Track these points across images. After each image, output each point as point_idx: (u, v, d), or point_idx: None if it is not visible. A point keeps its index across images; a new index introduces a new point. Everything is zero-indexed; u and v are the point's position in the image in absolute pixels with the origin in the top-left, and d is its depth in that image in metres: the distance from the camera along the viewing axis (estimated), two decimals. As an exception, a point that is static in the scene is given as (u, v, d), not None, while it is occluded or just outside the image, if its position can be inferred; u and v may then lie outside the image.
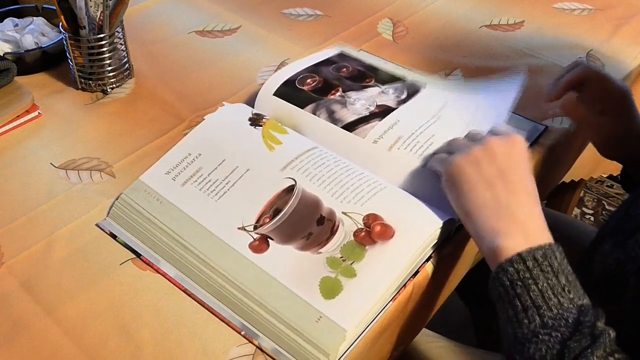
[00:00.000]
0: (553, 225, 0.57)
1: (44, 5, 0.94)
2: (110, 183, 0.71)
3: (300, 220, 0.62)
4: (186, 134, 0.74)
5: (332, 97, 0.75)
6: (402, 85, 0.78)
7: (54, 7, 0.81)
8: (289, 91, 0.76)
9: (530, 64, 0.91)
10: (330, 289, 0.57)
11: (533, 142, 0.77)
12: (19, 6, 0.97)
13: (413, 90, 0.77)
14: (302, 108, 0.74)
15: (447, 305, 0.74)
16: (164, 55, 0.93)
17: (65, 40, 0.82)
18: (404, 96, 0.75)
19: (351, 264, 0.59)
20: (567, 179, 1.04)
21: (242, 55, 0.93)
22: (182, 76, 0.89)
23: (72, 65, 0.84)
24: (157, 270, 0.62)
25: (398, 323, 0.62)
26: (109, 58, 0.84)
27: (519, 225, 0.55)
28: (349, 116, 0.72)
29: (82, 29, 0.80)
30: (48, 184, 0.71)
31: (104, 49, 0.83)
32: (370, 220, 0.61)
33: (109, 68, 0.85)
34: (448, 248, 0.64)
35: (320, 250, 0.60)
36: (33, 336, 0.56)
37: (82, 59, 0.83)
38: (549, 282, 0.51)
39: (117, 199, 0.67)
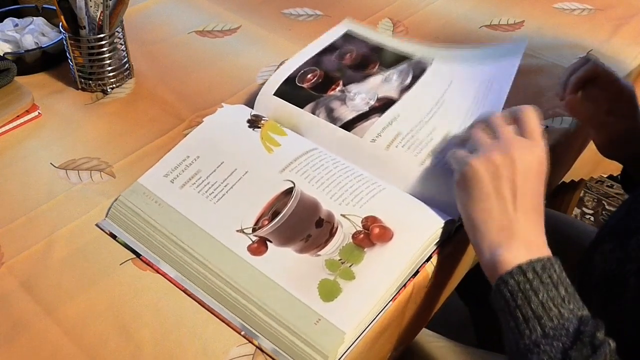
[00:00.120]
0: (553, 225, 0.58)
1: (44, 5, 0.94)
2: (110, 183, 0.71)
3: (298, 223, 0.62)
4: (186, 134, 0.74)
5: (331, 93, 0.75)
6: (407, 66, 0.77)
7: (54, 7, 0.81)
8: (289, 90, 0.76)
9: (530, 64, 0.91)
10: (329, 292, 0.57)
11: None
12: (19, 6, 0.97)
13: (419, 70, 0.76)
14: (302, 107, 0.74)
15: (447, 305, 0.74)
16: (164, 55, 0.93)
17: (65, 40, 0.82)
18: (408, 81, 0.75)
19: (350, 266, 0.59)
20: (567, 179, 1.04)
21: (242, 55, 0.93)
22: (182, 76, 0.89)
23: (72, 65, 0.84)
24: (157, 271, 0.62)
25: (398, 323, 0.62)
26: (109, 58, 0.84)
27: (521, 240, 0.55)
28: (348, 113, 0.72)
29: (82, 29, 0.80)
30: (48, 184, 0.71)
31: (104, 49, 0.83)
32: (369, 222, 0.61)
33: (109, 68, 0.85)
34: (448, 248, 0.64)
35: (319, 253, 0.60)
36: (33, 336, 0.56)
37: (82, 59, 0.83)
38: (549, 293, 0.52)
39: (115, 200, 0.67)
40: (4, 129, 0.78)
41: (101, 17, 0.80)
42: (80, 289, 0.60)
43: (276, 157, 0.68)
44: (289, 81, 0.77)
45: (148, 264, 0.62)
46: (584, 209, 1.73)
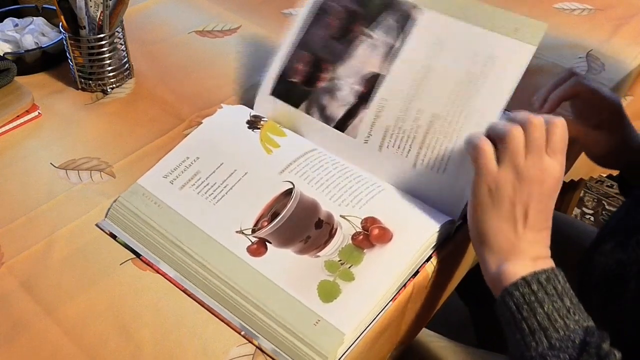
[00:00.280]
0: (553, 225, 0.58)
1: (44, 5, 0.94)
2: (110, 183, 0.71)
3: (298, 224, 0.62)
4: (186, 134, 0.74)
5: (321, 84, 0.73)
6: (393, 17, 0.70)
7: (54, 7, 0.81)
8: (283, 88, 0.75)
9: (530, 64, 0.91)
10: (328, 293, 0.57)
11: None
12: (19, 6, 0.97)
13: (405, 21, 0.69)
14: (297, 106, 0.73)
15: (447, 305, 0.74)
16: (164, 55, 0.93)
17: (65, 40, 0.82)
18: (396, 43, 0.68)
19: (349, 267, 0.59)
20: (567, 179, 1.04)
21: (242, 55, 0.93)
22: (182, 76, 0.89)
23: (72, 65, 0.84)
24: (157, 271, 0.62)
25: (398, 323, 0.62)
26: (109, 58, 0.84)
27: (528, 255, 0.56)
28: (338, 110, 0.71)
29: (82, 29, 0.80)
30: (48, 184, 0.71)
31: (104, 49, 0.83)
32: (369, 223, 0.61)
33: (109, 68, 0.85)
34: (448, 248, 0.64)
35: (318, 254, 0.60)
36: (33, 336, 0.56)
37: (82, 59, 0.83)
38: (554, 304, 0.52)
39: (115, 201, 0.67)
40: (4, 129, 0.78)
41: (101, 17, 0.80)
42: (80, 289, 0.60)
43: (275, 158, 0.68)
44: (282, 79, 0.75)
45: (148, 264, 0.62)
46: (584, 209, 1.73)
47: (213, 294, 0.59)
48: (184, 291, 0.60)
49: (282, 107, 0.74)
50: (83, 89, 0.86)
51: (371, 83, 0.70)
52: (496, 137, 0.57)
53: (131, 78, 0.88)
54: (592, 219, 1.70)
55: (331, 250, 0.60)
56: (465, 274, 0.74)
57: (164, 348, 0.55)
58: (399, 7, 0.70)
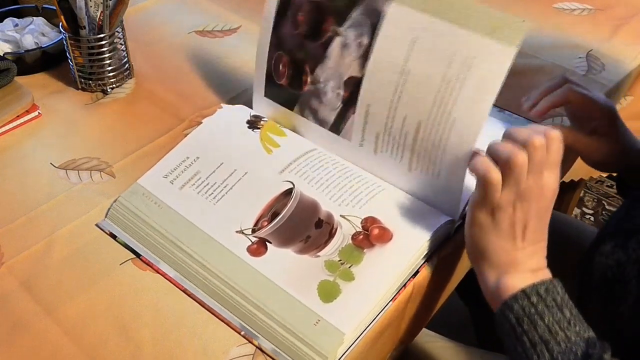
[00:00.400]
0: (553, 225, 0.57)
1: (44, 5, 0.94)
2: (110, 183, 0.71)
3: (298, 224, 0.62)
4: (186, 134, 0.74)
5: (306, 88, 0.71)
6: (361, 13, 0.65)
7: (54, 7, 0.81)
8: (275, 90, 0.74)
9: (530, 64, 0.91)
10: (328, 293, 0.57)
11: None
12: (19, 6, 0.97)
13: (375, 16, 0.64)
14: (292, 109, 0.73)
15: (447, 305, 0.74)
16: (164, 55, 0.93)
17: (65, 40, 0.82)
18: (365, 40, 0.64)
19: (349, 267, 0.59)
20: (567, 179, 1.04)
21: (242, 55, 0.93)
22: (182, 76, 0.89)
23: (72, 65, 0.84)
24: (157, 271, 0.62)
25: (398, 323, 0.62)
26: (109, 58, 0.84)
27: (526, 267, 0.56)
28: (329, 114, 0.70)
29: (82, 29, 0.80)
30: (48, 184, 0.71)
31: (104, 49, 0.83)
32: (369, 223, 0.61)
33: (109, 68, 0.85)
34: (448, 248, 0.64)
35: (318, 254, 0.60)
36: (33, 336, 0.56)
37: (82, 59, 0.83)
38: (555, 316, 0.52)
39: (115, 201, 0.67)
40: (4, 129, 0.78)
41: (101, 17, 0.80)
42: (80, 289, 0.60)
43: (275, 158, 0.68)
44: (270, 80, 0.74)
45: (148, 264, 0.62)
46: (584, 209, 1.73)
47: (213, 294, 0.59)
48: (184, 291, 0.60)
49: (278, 109, 0.74)
50: (83, 89, 0.86)
51: (353, 87, 0.67)
52: (499, 160, 0.55)
53: (131, 78, 0.88)
54: (592, 219, 1.70)
55: (331, 250, 0.60)
56: (465, 274, 0.74)
57: (164, 348, 0.55)
58: (367, 1, 0.65)
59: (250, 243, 0.61)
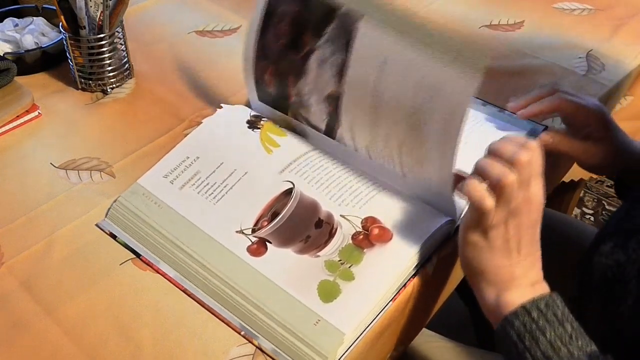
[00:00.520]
0: (553, 225, 0.57)
1: (44, 5, 0.94)
2: (110, 183, 0.72)
3: (298, 224, 0.62)
4: (186, 134, 0.74)
5: (292, 99, 0.71)
6: (336, 28, 0.64)
7: (54, 7, 0.81)
8: (266, 95, 0.74)
9: (530, 64, 0.91)
10: (328, 293, 0.57)
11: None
12: (19, 6, 0.97)
13: (348, 34, 0.63)
14: (286, 113, 0.72)
15: (447, 305, 0.74)
16: (164, 55, 0.93)
17: (65, 40, 0.82)
18: (340, 57, 0.64)
19: (349, 267, 0.59)
20: (567, 179, 1.04)
21: (242, 55, 0.93)
22: (182, 76, 0.89)
23: (72, 65, 0.84)
24: (157, 271, 0.62)
25: (398, 323, 0.62)
26: (109, 58, 0.84)
27: (525, 281, 0.56)
28: (320, 123, 0.69)
29: (82, 29, 0.80)
30: (48, 184, 0.71)
31: (104, 49, 0.83)
32: (369, 223, 0.61)
33: (109, 68, 0.85)
34: (448, 248, 0.64)
35: (318, 254, 0.60)
36: (33, 336, 0.56)
37: (82, 59, 0.83)
38: (556, 331, 0.52)
39: (115, 201, 0.67)
40: (4, 129, 0.78)
41: (101, 17, 0.80)
42: (80, 289, 0.60)
43: (275, 158, 0.68)
44: (260, 85, 0.74)
45: (148, 264, 0.62)
46: (584, 209, 1.73)
47: (213, 294, 0.59)
48: (184, 291, 0.60)
49: (274, 112, 0.74)
50: (83, 89, 0.86)
51: (334, 103, 0.67)
52: (489, 180, 0.54)
53: (131, 78, 0.88)
54: (592, 219, 1.70)
55: (331, 250, 0.60)
56: (465, 274, 0.74)
57: (164, 348, 0.55)
58: (341, 17, 0.64)
59: (250, 243, 0.61)
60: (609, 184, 1.79)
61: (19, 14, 0.94)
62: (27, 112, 0.80)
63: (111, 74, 0.85)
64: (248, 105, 0.77)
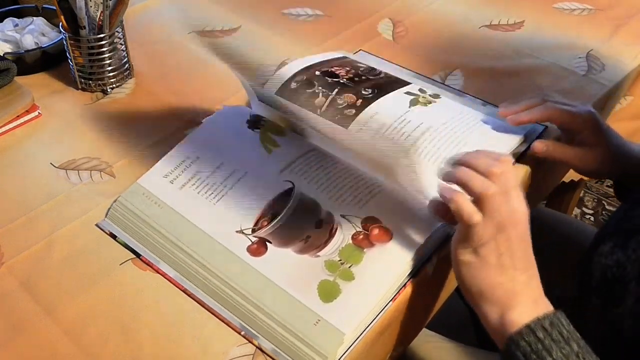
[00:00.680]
0: (553, 225, 0.57)
1: (44, 5, 0.94)
2: (110, 183, 0.71)
3: (298, 224, 0.62)
4: (186, 134, 0.74)
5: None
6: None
7: (54, 7, 0.81)
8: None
9: (530, 64, 0.91)
10: (328, 292, 0.57)
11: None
12: (19, 6, 0.97)
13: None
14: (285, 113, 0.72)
15: (447, 305, 0.74)
16: (164, 55, 0.93)
17: (65, 40, 0.82)
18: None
19: (349, 267, 0.59)
20: (567, 179, 1.04)
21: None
22: (182, 76, 0.89)
23: (72, 65, 0.84)
24: (157, 271, 0.62)
25: (398, 323, 0.62)
26: (109, 58, 0.84)
27: (527, 297, 0.55)
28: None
29: (82, 29, 0.80)
30: (48, 184, 0.71)
31: (104, 49, 0.83)
32: (369, 223, 0.61)
33: (109, 68, 0.85)
34: (448, 248, 0.64)
35: (318, 254, 0.60)
36: (33, 336, 0.56)
37: (82, 59, 0.83)
38: (563, 350, 0.51)
39: (115, 201, 0.67)
40: (4, 129, 0.78)
41: (101, 17, 0.80)
42: (80, 289, 0.60)
43: (275, 158, 0.68)
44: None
45: (148, 264, 0.62)
46: (584, 209, 1.73)
47: (213, 294, 0.59)
48: (184, 291, 0.60)
49: (275, 112, 0.74)
50: (83, 89, 0.86)
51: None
52: (472, 194, 0.55)
53: (131, 78, 0.88)
54: (592, 219, 1.70)
55: (331, 249, 0.60)
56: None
57: (164, 348, 0.55)
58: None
59: (250, 243, 0.61)
60: (609, 183, 1.79)
61: (19, 14, 0.94)
62: (27, 112, 0.80)
63: (111, 74, 0.85)
64: (248, 105, 0.77)
